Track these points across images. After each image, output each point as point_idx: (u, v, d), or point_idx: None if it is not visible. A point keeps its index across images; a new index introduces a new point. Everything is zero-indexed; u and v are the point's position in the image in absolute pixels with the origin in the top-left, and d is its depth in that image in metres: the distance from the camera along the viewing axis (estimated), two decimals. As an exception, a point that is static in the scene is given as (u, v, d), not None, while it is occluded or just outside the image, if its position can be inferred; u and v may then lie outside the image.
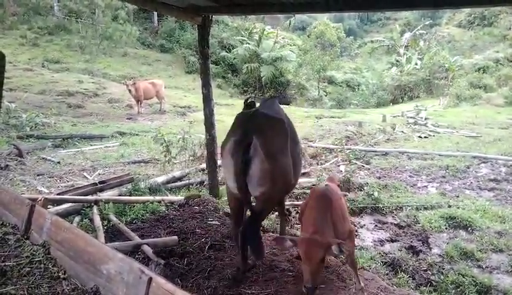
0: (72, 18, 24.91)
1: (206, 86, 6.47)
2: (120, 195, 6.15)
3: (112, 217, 5.34)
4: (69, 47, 25.05)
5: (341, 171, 8.52)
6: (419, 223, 6.01)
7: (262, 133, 3.73)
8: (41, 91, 15.80)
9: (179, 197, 6.35)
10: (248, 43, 28.54)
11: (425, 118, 17.24)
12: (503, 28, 40.60)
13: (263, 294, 3.66)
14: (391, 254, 5.08)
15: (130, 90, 14.27)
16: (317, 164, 9.54)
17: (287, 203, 5.95)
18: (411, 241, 5.47)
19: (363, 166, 9.52)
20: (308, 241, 2.71)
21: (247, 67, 27.32)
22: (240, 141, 3.65)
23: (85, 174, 7.73)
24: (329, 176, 4.76)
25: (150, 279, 2.32)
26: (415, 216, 6.22)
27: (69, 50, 24.86)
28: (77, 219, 5.31)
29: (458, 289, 4.30)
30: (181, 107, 17.22)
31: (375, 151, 11.03)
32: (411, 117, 17.70)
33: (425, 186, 8.19)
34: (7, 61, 5.05)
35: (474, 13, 46.08)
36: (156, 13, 30.18)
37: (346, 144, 11.12)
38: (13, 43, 23.35)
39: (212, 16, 6.34)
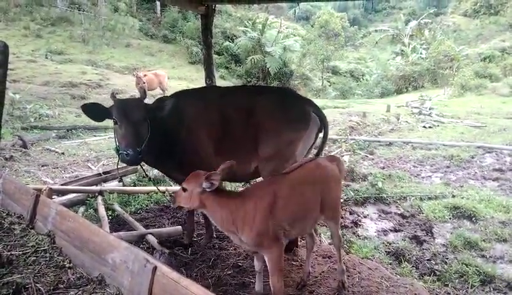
0: (75, 9, 24.86)
1: (209, 76, 6.45)
2: (124, 186, 6.17)
3: (117, 207, 5.37)
4: (72, 38, 25.02)
5: (345, 161, 8.49)
6: (423, 213, 6.01)
7: None
8: (45, 83, 15.82)
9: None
10: (252, 34, 28.37)
11: (430, 108, 17.15)
12: (509, 17, 40.10)
13: (267, 283, 3.68)
14: (394, 243, 5.09)
15: (144, 82, 14.31)
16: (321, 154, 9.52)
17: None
18: (415, 231, 5.47)
19: (367, 156, 9.50)
20: (192, 173, 2.86)
21: (251, 59, 27.19)
22: (319, 114, 4.04)
23: (89, 164, 7.76)
24: (330, 155, 4.47)
25: (155, 268, 2.33)
26: (418, 206, 6.22)
27: (72, 41, 24.83)
28: (81, 209, 5.34)
29: (462, 279, 4.30)
30: (184, 98, 17.18)
31: (379, 141, 11.01)
32: (415, 107, 17.62)
33: (429, 176, 8.17)
34: (11, 52, 5.05)
35: (480, 1, 45.57)
36: (158, 3, 30.03)
37: (350, 135, 11.09)
38: (16, 35, 23.33)
39: (215, 6, 6.29)
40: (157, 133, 3.63)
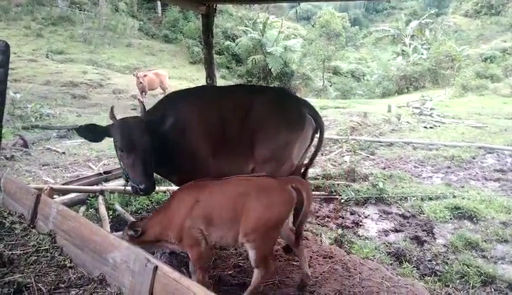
0: (76, 9, 24.92)
1: (210, 76, 6.46)
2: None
3: (118, 207, 5.36)
4: (72, 38, 25.04)
5: (346, 161, 8.50)
6: (424, 213, 6.00)
7: None
8: (46, 82, 15.84)
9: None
10: (253, 33, 28.39)
11: (431, 109, 17.13)
12: (510, 17, 40.03)
13: (268, 283, 3.68)
14: (395, 244, 5.08)
15: (141, 82, 14.20)
16: (322, 155, 9.51)
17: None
18: (416, 232, 5.46)
19: (368, 156, 9.49)
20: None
21: (252, 59, 27.18)
22: (314, 115, 4.02)
23: (90, 164, 7.76)
24: (291, 176, 3.75)
25: (156, 267, 2.34)
26: (419, 206, 6.21)
27: (73, 41, 24.84)
28: (82, 208, 5.34)
29: (463, 279, 4.29)
30: (185, 98, 17.16)
31: (380, 141, 10.99)
32: (416, 108, 17.59)
33: (430, 176, 8.15)
34: (12, 51, 5.05)
35: (481, 1, 45.52)
36: (159, 2, 30.09)
37: (350, 135, 11.08)
38: (17, 34, 23.33)
39: (216, 5, 6.30)
40: (156, 142, 3.50)
